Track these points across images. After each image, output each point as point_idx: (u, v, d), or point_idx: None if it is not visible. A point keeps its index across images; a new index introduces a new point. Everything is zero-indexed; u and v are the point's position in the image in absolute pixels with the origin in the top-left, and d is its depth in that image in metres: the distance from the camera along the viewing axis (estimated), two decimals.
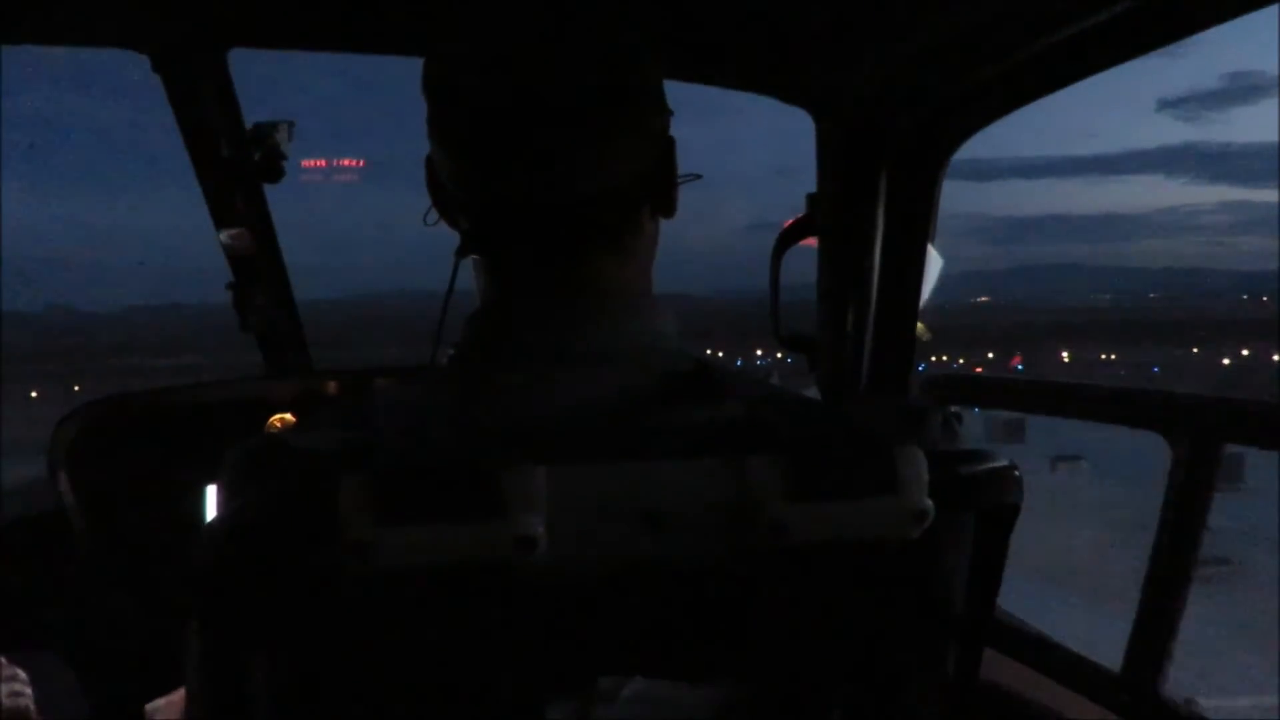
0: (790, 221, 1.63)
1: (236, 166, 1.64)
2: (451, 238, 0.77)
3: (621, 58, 0.72)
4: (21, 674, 1.25)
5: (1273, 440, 1.16)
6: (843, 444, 0.67)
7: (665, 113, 0.76)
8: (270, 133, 1.62)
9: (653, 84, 0.75)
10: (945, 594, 0.73)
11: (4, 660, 1.25)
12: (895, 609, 0.71)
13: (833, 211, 1.58)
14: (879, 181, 1.52)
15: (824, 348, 1.64)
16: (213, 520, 0.62)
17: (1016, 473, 0.71)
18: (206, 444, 0.77)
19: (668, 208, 0.77)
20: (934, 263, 1.60)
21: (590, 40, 0.71)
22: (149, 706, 1.16)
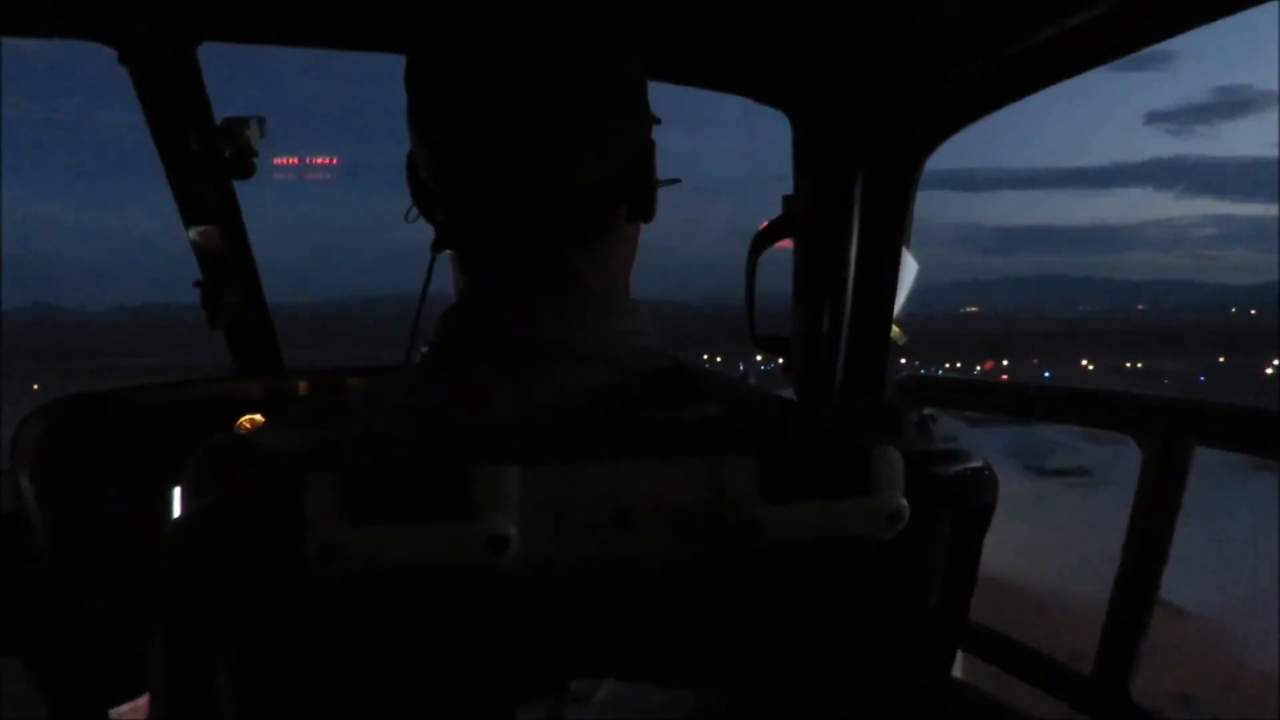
0: (766, 223, 1.64)
1: (206, 162, 1.61)
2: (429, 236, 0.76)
3: (601, 56, 0.72)
4: None
5: (1243, 442, 1.17)
6: (819, 444, 0.67)
7: (647, 116, 0.76)
8: (241, 128, 1.60)
9: (633, 85, 0.74)
10: (919, 595, 0.73)
11: None
12: (870, 610, 0.70)
13: (809, 213, 1.58)
14: (855, 183, 1.52)
15: (799, 349, 1.64)
16: (176, 520, 0.61)
17: (990, 473, 0.71)
18: (173, 444, 0.76)
19: (646, 211, 0.77)
20: (909, 268, 1.60)
21: (570, 38, 0.71)
22: (113, 712, 1.14)
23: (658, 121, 0.78)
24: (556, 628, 0.63)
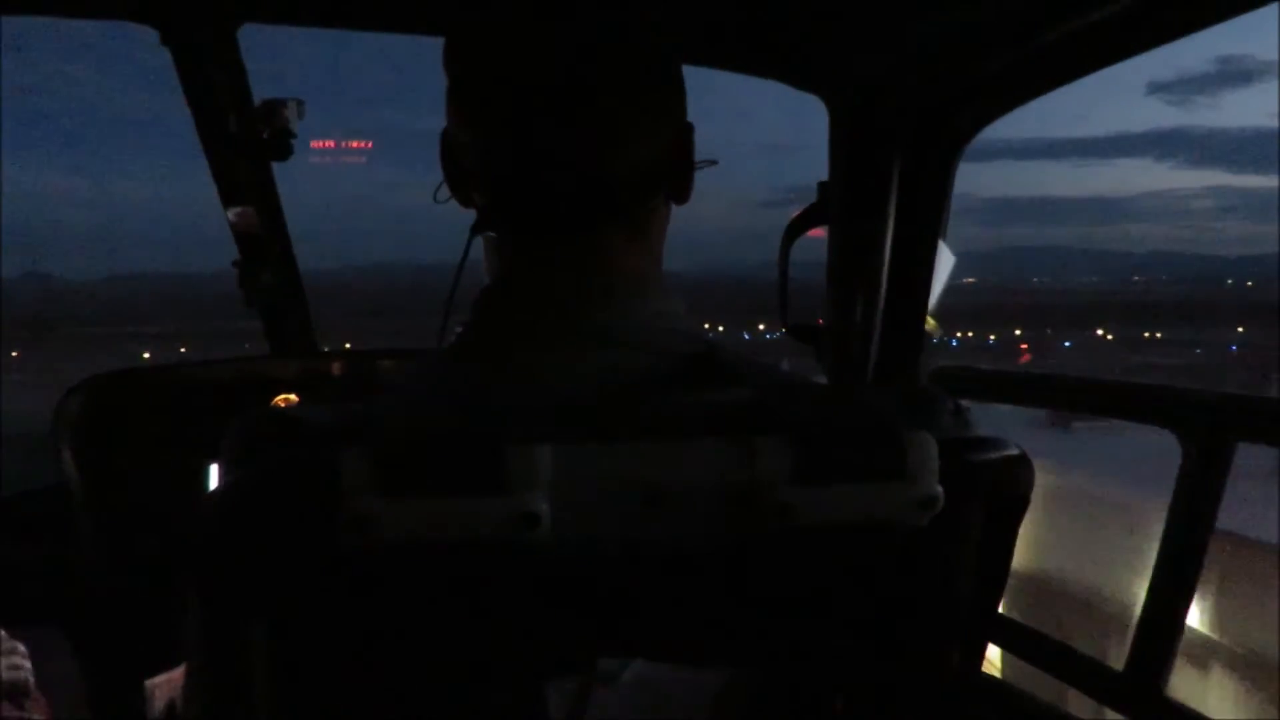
0: (800, 210, 1.62)
1: (245, 144, 1.63)
2: (459, 215, 0.76)
3: (643, 39, 0.72)
4: (21, 648, 1.25)
5: None
6: (852, 427, 0.66)
7: (684, 101, 0.76)
8: (279, 110, 1.61)
9: (674, 68, 0.74)
10: (951, 584, 0.72)
11: (4, 634, 1.25)
12: (899, 597, 0.70)
13: (844, 200, 1.56)
14: (892, 170, 1.50)
15: (832, 338, 1.63)
16: (212, 492, 0.62)
17: (1028, 463, 0.70)
18: (210, 422, 0.77)
19: (683, 193, 0.77)
20: (945, 260, 1.58)
21: (612, 20, 0.71)
22: (149, 682, 1.16)
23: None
24: (586, 606, 0.63)
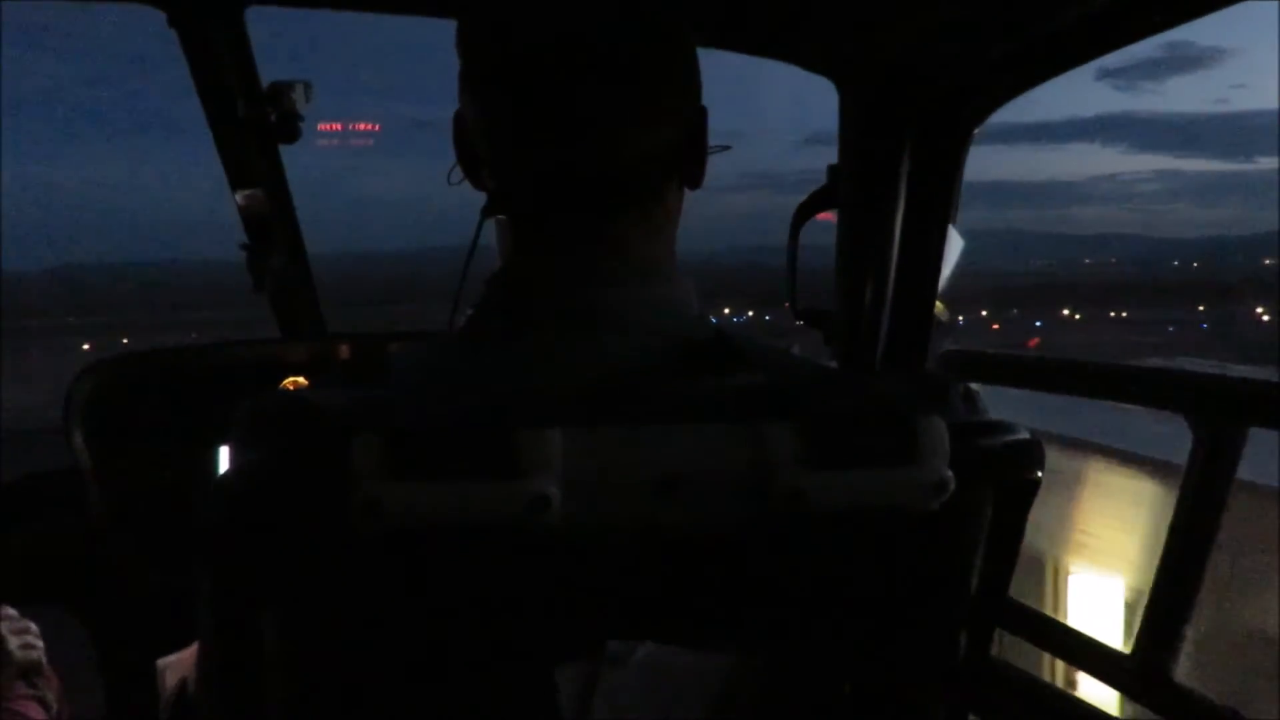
0: (810, 194, 1.61)
1: (252, 126, 1.62)
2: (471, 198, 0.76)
3: (656, 22, 0.71)
4: (34, 627, 1.26)
5: None
6: (863, 412, 0.66)
7: (699, 84, 0.75)
8: (287, 93, 1.61)
9: (687, 52, 0.74)
10: (960, 569, 0.72)
11: (16, 613, 1.26)
12: (909, 582, 0.70)
13: (854, 184, 1.56)
14: (902, 154, 1.49)
15: (840, 323, 1.62)
16: (224, 474, 0.62)
17: (1037, 447, 0.70)
18: (220, 404, 0.77)
19: (696, 178, 0.77)
20: (954, 243, 1.57)
21: (625, 3, 0.70)
22: (160, 663, 1.17)
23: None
24: (595, 589, 0.64)
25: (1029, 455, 0.69)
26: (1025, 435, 0.69)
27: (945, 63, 1.40)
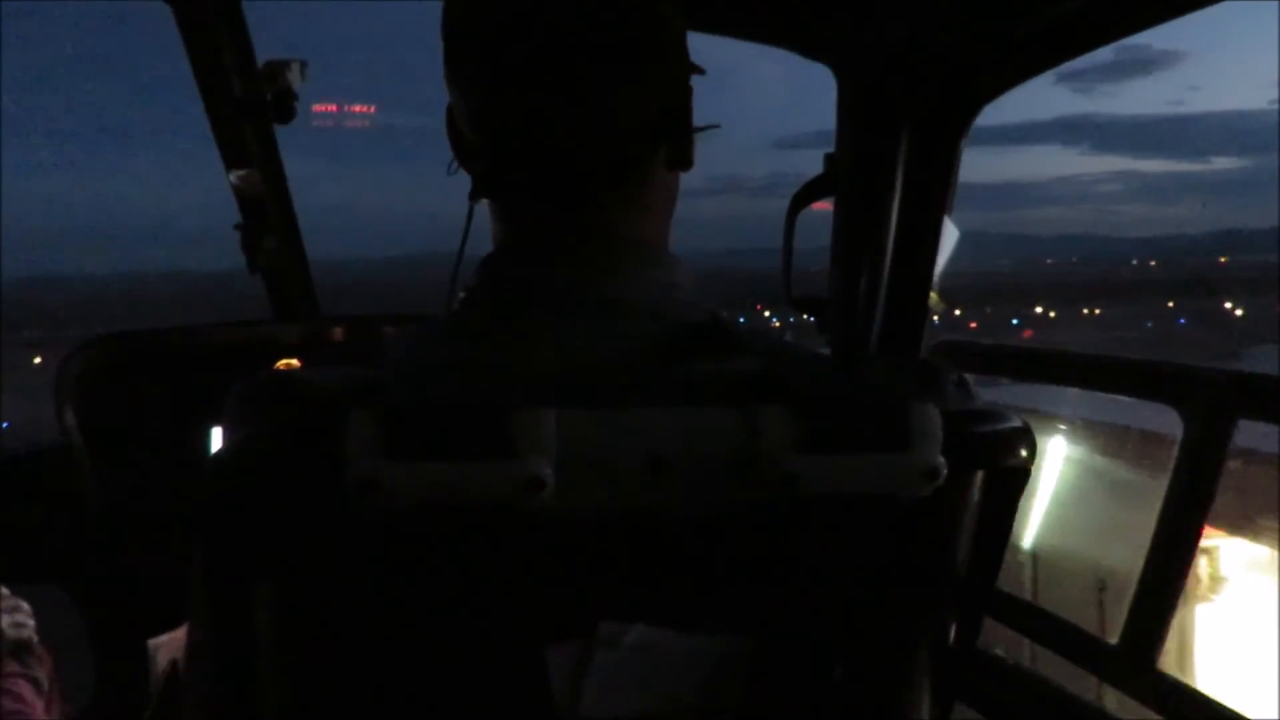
0: (806, 182, 1.61)
1: (248, 106, 1.62)
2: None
3: (640, 2, 0.71)
4: (25, 606, 1.26)
5: None
6: (857, 398, 0.66)
7: (685, 62, 0.75)
8: (282, 71, 1.60)
9: (671, 30, 0.73)
10: (951, 556, 0.73)
11: (7, 592, 1.25)
12: (900, 568, 0.70)
13: (850, 173, 1.55)
14: (899, 143, 1.49)
15: (835, 311, 1.62)
16: (217, 452, 0.62)
17: (1030, 434, 0.70)
18: (212, 385, 0.77)
19: (684, 159, 0.76)
20: (950, 234, 1.58)
21: None
22: (151, 642, 1.17)
23: (700, 72, 0.77)
24: (588, 570, 0.64)
25: (1021, 443, 0.69)
26: (1018, 423, 0.70)
27: (944, 52, 1.40)
